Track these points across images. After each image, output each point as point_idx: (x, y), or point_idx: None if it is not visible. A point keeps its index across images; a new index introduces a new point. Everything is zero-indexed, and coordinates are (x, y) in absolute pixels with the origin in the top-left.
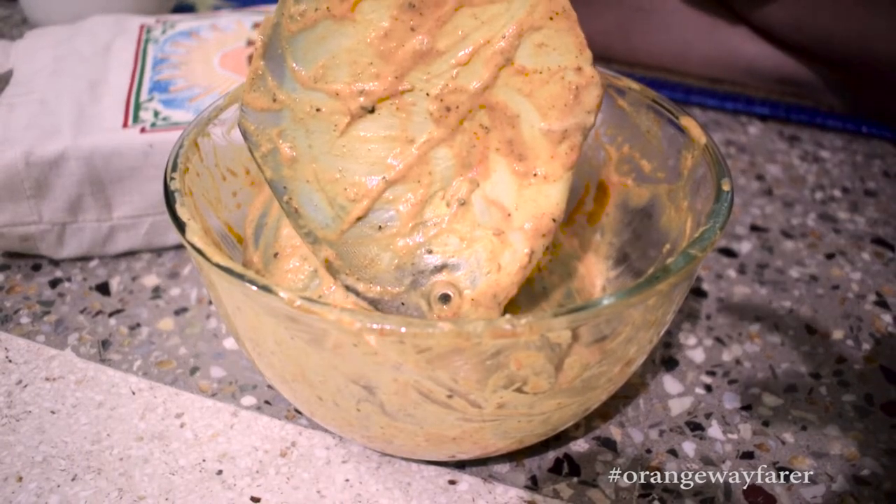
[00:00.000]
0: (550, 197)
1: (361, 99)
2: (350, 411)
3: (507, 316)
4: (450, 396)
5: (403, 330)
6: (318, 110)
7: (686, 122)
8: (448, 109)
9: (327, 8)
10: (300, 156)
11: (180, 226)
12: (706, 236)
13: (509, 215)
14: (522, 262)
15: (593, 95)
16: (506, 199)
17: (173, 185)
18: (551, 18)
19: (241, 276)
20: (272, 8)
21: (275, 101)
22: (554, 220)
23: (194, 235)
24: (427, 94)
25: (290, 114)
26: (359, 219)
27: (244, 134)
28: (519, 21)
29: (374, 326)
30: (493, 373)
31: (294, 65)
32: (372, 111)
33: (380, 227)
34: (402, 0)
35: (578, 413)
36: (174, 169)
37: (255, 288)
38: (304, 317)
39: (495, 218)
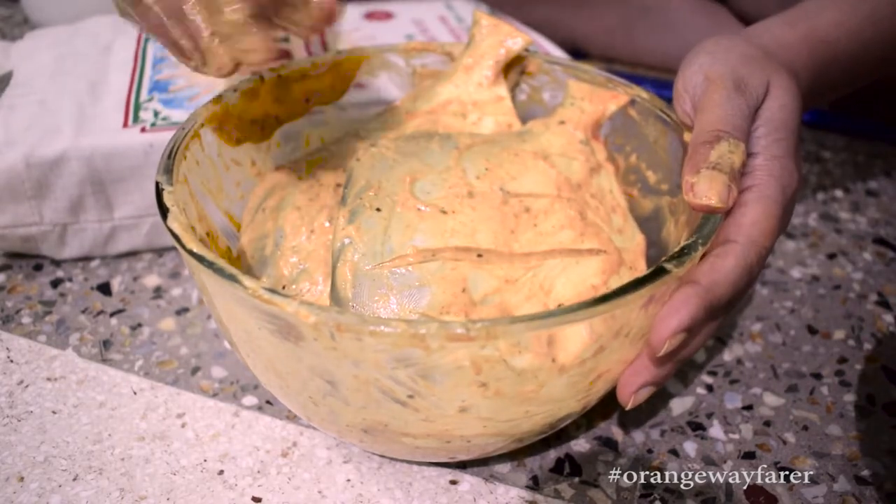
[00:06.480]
0: None
1: None
2: (321, 407)
3: (463, 319)
4: (410, 397)
5: (359, 326)
6: None
7: (689, 137)
8: None
9: None
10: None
11: (164, 211)
12: (686, 251)
13: None
14: None
15: None
16: None
17: (164, 170)
18: None
19: (211, 264)
20: None
21: None
22: None
23: (174, 221)
24: None
25: None
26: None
27: None
28: None
29: (330, 321)
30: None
31: None
32: None
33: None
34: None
35: (553, 422)
36: (170, 156)
37: (221, 277)
38: (265, 307)
39: None
